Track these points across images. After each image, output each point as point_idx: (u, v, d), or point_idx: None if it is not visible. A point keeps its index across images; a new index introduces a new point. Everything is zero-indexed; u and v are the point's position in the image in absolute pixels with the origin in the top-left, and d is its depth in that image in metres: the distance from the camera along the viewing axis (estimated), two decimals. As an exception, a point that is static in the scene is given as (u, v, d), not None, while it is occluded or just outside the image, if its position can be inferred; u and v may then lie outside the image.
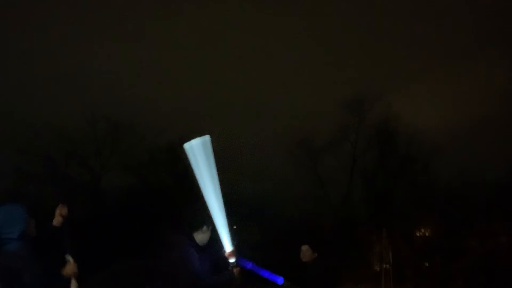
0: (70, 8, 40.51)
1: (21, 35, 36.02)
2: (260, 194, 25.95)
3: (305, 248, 5.42)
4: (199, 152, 3.62)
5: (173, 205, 23.37)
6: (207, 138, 3.58)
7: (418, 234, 25.38)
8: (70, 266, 3.28)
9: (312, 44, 42.91)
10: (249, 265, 4.07)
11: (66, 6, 39.92)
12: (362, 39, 41.04)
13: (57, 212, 3.52)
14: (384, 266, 24.05)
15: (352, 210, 25.68)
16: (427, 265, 23.99)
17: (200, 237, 3.71)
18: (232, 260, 4.01)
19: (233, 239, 3.83)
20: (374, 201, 24.82)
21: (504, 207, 22.28)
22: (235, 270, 3.96)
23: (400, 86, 36.20)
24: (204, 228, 3.98)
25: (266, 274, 4.19)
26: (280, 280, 4.29)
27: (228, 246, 3.99)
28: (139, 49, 39.77)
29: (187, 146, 3.64)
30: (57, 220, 3.49)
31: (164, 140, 24.71)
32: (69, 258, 3.31)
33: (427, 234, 25.22)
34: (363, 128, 26.00)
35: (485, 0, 39.36)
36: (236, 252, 4.03)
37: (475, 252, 20.72)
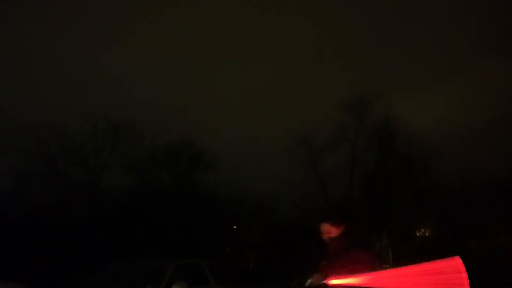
0: (70, 8, 40.52)
1: (21, 35, 36.03)
2: (261, 194, 25.97)
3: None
4: None
5: (173, 205, 23.40)
6: None
7: (418, 234, 25.38)
8: None
9: (312, 44, 42.95)
10: None
11: (66, 6, 39.96)
12: (363, 39, 41.12)
13: None
14: (384, 266, 24.05)
15: (352, 210, 25.67)
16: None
17: None
18: None
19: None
20: (374, 201, 24.81)
21: (504, 207, 22.28)
22: None
23: (400, 86, 36.28)
24: None
25: None
26: None
27: None
28: (139, 49, 39.80)
29: None
30: None
31: (164, 140, 24.77)
32: None
33: (427, 234, 25.23)
34: (363, 128, 26.01)
35: (485, 3, 39.37)
36: None
37: (475, 252, 20.72)
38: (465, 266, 5.12)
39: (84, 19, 41.14)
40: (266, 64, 42.20)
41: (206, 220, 23.87)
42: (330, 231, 3.66)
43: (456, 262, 2.99)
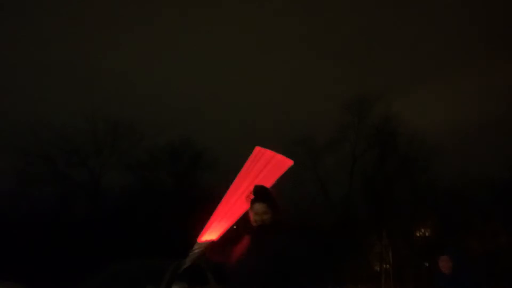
0: (70, 8, 40.53)
1: (21, 35, 36.04)
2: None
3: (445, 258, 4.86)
4: None
5: (173, 205, 23.40)
6: None
7: (418, 234, 25.40)
8: None
9: (313, 44, 42.95)
10: None
11: (67, 6, 39.97)
12: (363, 40, 41.14)
13: None
14: (384, 266, 24.06)
15: (352, 210, 25.68)
16: (427, 265, 24.01)
17: None
18: None
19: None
20: (374, 201, 24.82)
21: (504, 207, 22.29)
22: None
23: (400, 86, 36.28)
24: None
25: None
26: None
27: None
28: (139, 49, 39.81)
29: None
30: None
31: (164, 140, 24.76)
32: None
33: (427, 234, 25.22)
34: (363, 128, 26.04)
35: (485, 3, 39.39)
36: None
37: (475, 252, 20.73)
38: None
39: (84, 19, 41.18)
40: (266, 64, 42.21)
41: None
42: (267, 212, 3.09)
43: (256, 150, 3.25)
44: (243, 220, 3.23)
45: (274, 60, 42.45)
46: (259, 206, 3.09)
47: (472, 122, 33.53)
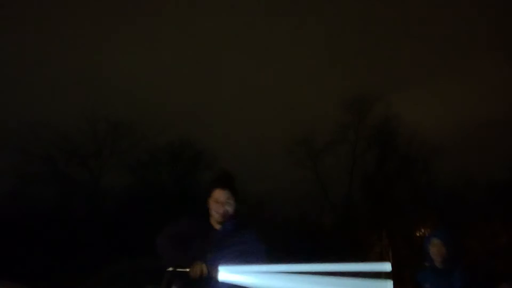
0: (70, 7, 40.48)
1: (21, 35, 36.00)
2: (261, 194, 25.98)
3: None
4: None
5: (173, 205, 23.42)
6: None
7: (418, 234, 25.42)
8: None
9: (312, 44, 42.93)
10: None
11: (66, 6, 39.93)
12: (363, 39, 41.10)
13: None
14: (384, 266, 24.08)
15: (352, 210, 25.68)
16: (427, 265, 24.01)
17: None
18: None
19: None
20: (374, 201, 24.82)
21: (505, 207, 22.28)
22: None
23: (400, 86, 36.25)
24: None
25: None
26: None
27: None
28: (139, 49, 39.77)
29: None
30: None
31: (164, 140, 24.76)
32: None
33: (427, 234, 25.24)
34: (363, 128, 26.04)
35: (486, 3, 39.35)
36: None
37: (475, 252, 20.72)
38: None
39: (84, 18, 41.12)
40: (266, 64, 42.18)
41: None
42: (230, 202, 2.72)
43: None
44: (204, 210, 2.84)
45: (273, 60, 42.44)
46: (221, 193, 2.73)
47: (472, 122, 33.48)
